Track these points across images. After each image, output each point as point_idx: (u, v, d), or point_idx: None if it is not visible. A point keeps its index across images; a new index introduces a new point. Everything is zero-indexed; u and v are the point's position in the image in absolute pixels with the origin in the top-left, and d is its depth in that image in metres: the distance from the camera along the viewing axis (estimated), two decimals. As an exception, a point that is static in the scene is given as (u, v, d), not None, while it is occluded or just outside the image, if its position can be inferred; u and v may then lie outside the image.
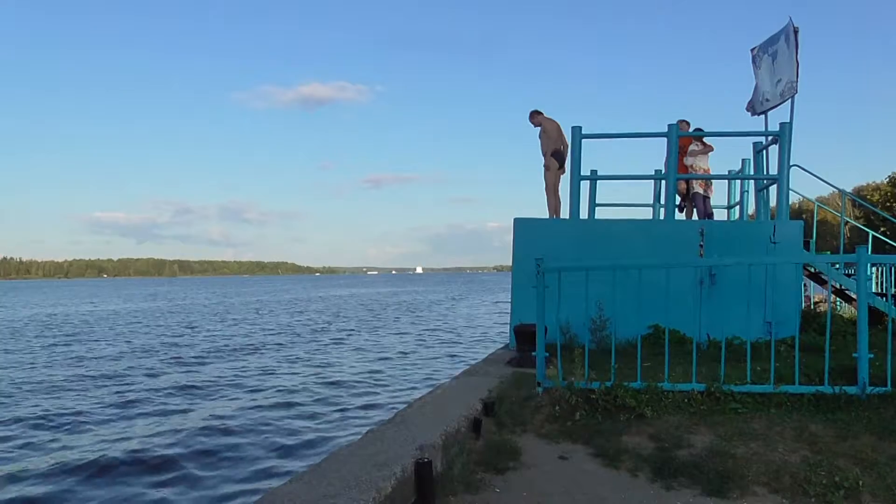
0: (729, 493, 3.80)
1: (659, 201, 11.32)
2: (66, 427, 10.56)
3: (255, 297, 69.73)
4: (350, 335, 25.43)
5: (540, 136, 10.02)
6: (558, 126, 9.90)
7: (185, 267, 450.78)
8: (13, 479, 7.94)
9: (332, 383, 14.30)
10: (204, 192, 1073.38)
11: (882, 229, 20.40)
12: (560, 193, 9.91)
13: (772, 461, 4.15)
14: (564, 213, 9.67)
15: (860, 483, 3.74)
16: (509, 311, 9.23)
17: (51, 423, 10.77)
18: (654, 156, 11.81)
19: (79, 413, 11.48)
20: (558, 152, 9.84)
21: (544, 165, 9.96)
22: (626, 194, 66.94)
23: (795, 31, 9.17)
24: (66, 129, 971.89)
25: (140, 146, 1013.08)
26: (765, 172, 10.10)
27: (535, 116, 10.05)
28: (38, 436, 10.04)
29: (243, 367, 17.10)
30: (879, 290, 10.19)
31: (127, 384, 14.45)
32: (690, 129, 10.19)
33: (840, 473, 3.86)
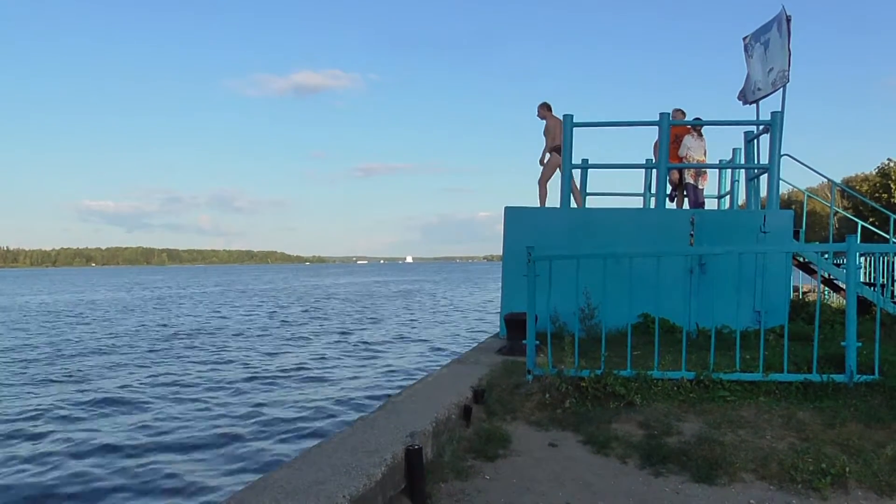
0: (717, 479, 3.83)
1: (650, 190, 11.33)
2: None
3: (287, 283, 71.39)
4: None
5: (544, 133, 10.19)
6: (561, 126, 9.97)
7: (173, 256, 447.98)
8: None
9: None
10: (194, 181, 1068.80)
11: (871, 219, 20.47)
12: (547, 187, 10.12)
13: (760, 448, 4.17)
14: (552, 204, 9.85)
15: (847, 470, 3.77)
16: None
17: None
18: (646, 145, 11.81)
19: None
20: (558, 148, 9.95)
21: (539, 160, 10.23)
22: (617, 183, 67.01)
23: (788, 20, 9.15)
24: (54, 115, 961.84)
25: (130, 133, 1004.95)
26: (755, 162, 10.12)
27: (542, 110, 10.29)
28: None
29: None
30: (867, 280, 10.25)
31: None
32: (685, 119, 10.17)
33: (827, 460, 3.89)
